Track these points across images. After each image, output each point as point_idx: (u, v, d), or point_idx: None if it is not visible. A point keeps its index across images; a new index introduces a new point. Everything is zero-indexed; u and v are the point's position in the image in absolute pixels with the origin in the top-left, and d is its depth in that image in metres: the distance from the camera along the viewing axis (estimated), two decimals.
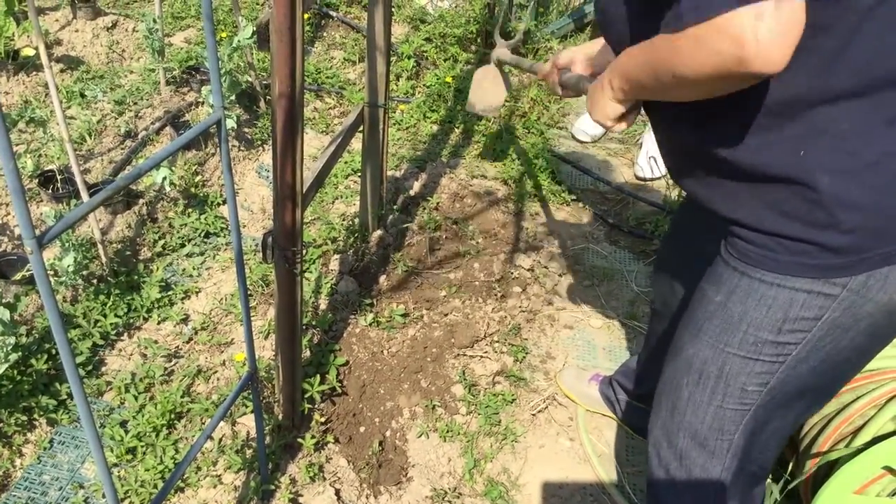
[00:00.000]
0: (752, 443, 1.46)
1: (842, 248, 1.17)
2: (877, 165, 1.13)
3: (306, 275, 2.76)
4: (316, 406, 2.31)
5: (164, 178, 2.81)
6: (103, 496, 2.14)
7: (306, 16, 4.48)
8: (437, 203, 3.20)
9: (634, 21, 1.25)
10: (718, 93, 1.10)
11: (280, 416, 2.23)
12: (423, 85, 4.10)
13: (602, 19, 1.38)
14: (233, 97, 3.38)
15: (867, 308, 1.22)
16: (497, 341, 2.62)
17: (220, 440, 2.24)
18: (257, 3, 4.84)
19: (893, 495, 1.67)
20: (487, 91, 2.38)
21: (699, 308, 1.42)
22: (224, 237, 3.09)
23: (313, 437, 2.21)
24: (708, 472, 1.50)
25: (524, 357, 2.61)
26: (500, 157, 3.62)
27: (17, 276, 2.62)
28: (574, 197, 3.46)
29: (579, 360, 2.67)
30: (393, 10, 4.63)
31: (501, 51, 2.18)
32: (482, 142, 3.69)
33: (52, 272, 2.58)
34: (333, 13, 4.68)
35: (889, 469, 1.63)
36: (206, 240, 3.07)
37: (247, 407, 2.32)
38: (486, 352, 2.57)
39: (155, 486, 2.12)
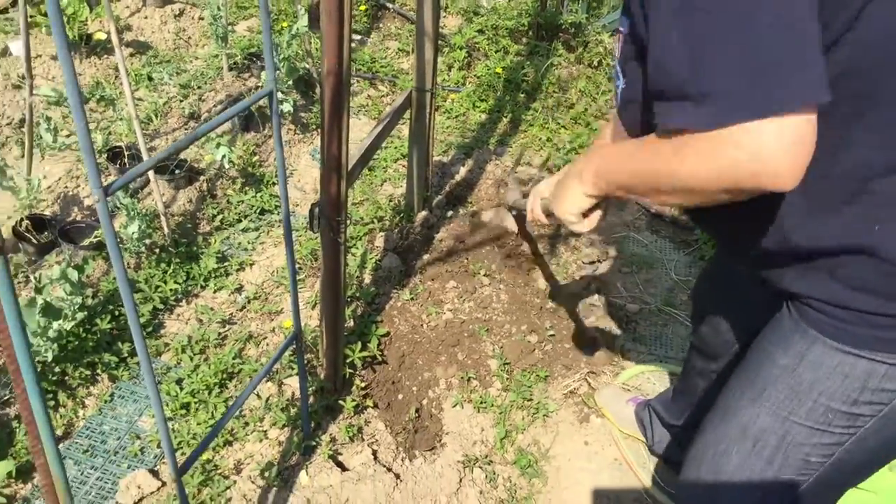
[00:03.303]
0: None
1: None
2: None
3: (352, 250, 2.89)
4: (357, 372, 2.44)
5: (224, 156, 2.97)
6: (158, 446, 2.31)
7: (363, 7, 4.62)
8: (482, 188, 3.30)
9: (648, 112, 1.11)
10: (712, 203, 1.00)
11: (323, 379, 2.36)
12: (474, 75, 4.20)
13: (619, 105, 1.27)
14: (290, 83, 3.53)
15: None
16: (534, 321, 2.71)
17: (267, 399, 2.38)
18: None
19: None
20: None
21: (762, 370, 1.30)
22: (277, 214, 3.25)
23: (353, 400, 2.34)
24: None
25: (560, 338, 2.69)
26: (546, 146, 3.70)
27: (85, 242, 2.81)
28: None
29: (613, 339, 2.74)
30: (447, 2, 4.76)
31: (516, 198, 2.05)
32: (529, 131, 3.78)
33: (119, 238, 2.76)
34: (390, 4, 4.82)
35: None
36: (260, 216, 3.23)
37: (293, 369, 2.46)
38: (521, 330, 2.66)
39: (202, 440, 2.27)
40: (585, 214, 1.29)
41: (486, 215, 3.12)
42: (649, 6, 0.98)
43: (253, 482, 2.15)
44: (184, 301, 2.80)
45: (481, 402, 2.45)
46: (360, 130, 3.70)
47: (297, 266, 2.90)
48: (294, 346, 2.00)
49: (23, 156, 3.12)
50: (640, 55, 1.10)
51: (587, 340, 2.68)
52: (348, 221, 2.07)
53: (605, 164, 1.18)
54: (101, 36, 3.99)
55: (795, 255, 1.17)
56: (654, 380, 2.62)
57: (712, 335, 1.81)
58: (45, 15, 4.01)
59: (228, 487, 2.14)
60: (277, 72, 3.54)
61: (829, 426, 1.21)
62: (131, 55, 4.14)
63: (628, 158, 1.10)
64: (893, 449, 1.27)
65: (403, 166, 3.49)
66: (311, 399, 2.34)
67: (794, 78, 0.85)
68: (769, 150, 0.86)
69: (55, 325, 2.31)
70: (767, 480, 1.30)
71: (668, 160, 0.98)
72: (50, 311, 2.26)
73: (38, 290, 2.26)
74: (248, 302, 2.81)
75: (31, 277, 2.44)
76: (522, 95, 4.01)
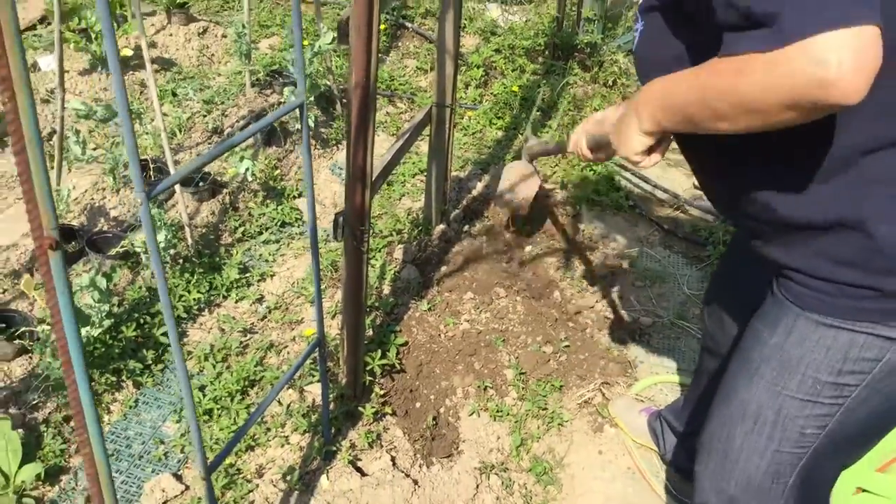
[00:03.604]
0: (806, 484, 1.43)
1: None
2: None
3: (372, 262, 2.96)
4: (376, 380, 2.49)
5: (247, 169, 3.05)
6: (181, 451, 2.37)
7: (382, 26, 4.72)
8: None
9: (677, 64, 1.19)
10: (772, 126, 1.01)
11: (343, 386, 2.41)
12: (491, 93, 4.28)
13: (640, 66, 1.35)
14: (311, 99, 3.61)
15: None
16: (549, 332, 2.76)
17: (289, 406, 2.44)
18: (337, 14, 5.11)
19: None
20: (519, 185, 2.47)
21: (753, 350, 1.38)
22: (298, 227, 3.32)
23: (373, 407, 2.39)
24: None
25: (575, 349, 2.74)
26: (560, 162, 3.76)
27: (112, 252, 2.88)
28: (631, 203, 3.58)
29: (627, 351, 2.78)
30: (465, 21, 4.85)
31: (532, 144, 2.17)
32: None
33: (142, 249, 2.83)
34: (409, 24, 4.92)
35: None
36: (281, 229, 3.30)
37: (313, 377, 2.51)
38: (537, 341, 2.71)
39: (225, 444, 2.33)
40: (648, 151, 1.32)
41: (503, 229, 3.18)
42: None
43: (275, 486, 2.20)
44: (206, 310, 2.87)
45: (497, 411, 2.50)
46: (379, 146, 3.76)
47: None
48: (316, 353, 2.06)
49: (52, 167, 3.21)
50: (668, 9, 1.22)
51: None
52: (369, 243, 2.13)
53: (661, 97, 1.19)
54: (128, 52, 4.09)
55: (783, 227, 1.24)
56: (666, 391, 2.66)
57: (721, 334, 1.90)
58: (75, 31, 4.13)
59: (251, 491, 2.19)
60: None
61: (818, 397, 1.28)
62: (156, 71, 4.24)
63: (686, 86, 1.12)
64: (883, 419, 1.34)
65: (421, 181, 3.56)
66: (332, 406, 2.39)
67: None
68: (837, 57, 0.89)
69: (83, 331, 2.37)
70: (771, 456, 1.37)
71: (733, 78, 1.00)
72: (80, 318, 2.33)
73: None
74: (269, 312, 2.87)
75: None
76: (538, 113, 4.08)
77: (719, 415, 1.47)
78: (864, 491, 1.81)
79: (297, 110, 1.68)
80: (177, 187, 2.90)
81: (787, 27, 0.91)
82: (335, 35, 3.81)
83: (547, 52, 4.50)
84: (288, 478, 2.21)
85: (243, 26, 3.67)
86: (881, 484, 1.78)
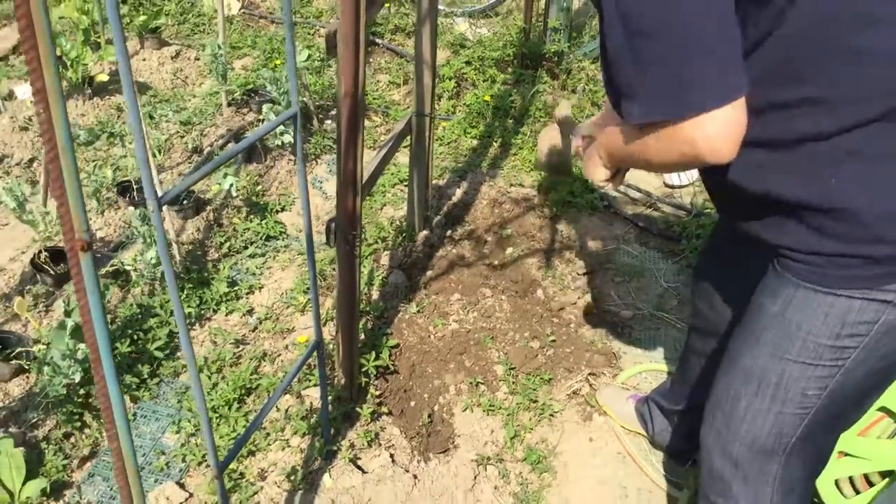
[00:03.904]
0: (808, 444, 1.51)
1: (888, 258, 1.25)
2: None
3: (360, 268, 3.03)
4: (371, 381, 2.56)
5: (231, 185, 3.12)
6: (183, 460, 2.41)
7: None
8: (478, 208, 3.46)
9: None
10: (685, 171, 1.31)
11: (340, 388, 2.48)
12: (464, 104, 4.38)
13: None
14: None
15: None
16: (535, 328, 2.85)
17: (287, 410, 2.50)
18: (308, 33, 5.20)
19: (893, 437, 1.86)
20: (555, 148, 2.55)
21: (756, 319, 1.47)
22: (283, 240, 3.38)
23: (369, 408, 2.46)
24: (766, 475, 1.55)
25: (561, 343, 2.83)
26: (536, 167, 3.87)
27: (102, 271, 2.93)
28: (606, 203, 3.69)
29: (610, 343, 2.88)
30: None
31: (564, 112, 2.24)
32: (518, 154, 3.95)
33: (132, 266, 2.88)
34: (380, 40, 5.02)
35: (886, 410, 1.82)
36: (266, 242, 3.36)
37: (310, 381, 2.58)
38: (524, 337, 2.80)
39: (228, 451, 2.38)
40: (610, 179, 1.59)
41: (484, 233, 3.27)
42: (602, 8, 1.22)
43: (279, 486, 2.26)
44: (198, 325, 2.92)
45: (490, 406, 2.58)
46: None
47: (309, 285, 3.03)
48: (315, 355, 2.13)
49: (35, 192, 3.24)
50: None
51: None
52: (361, 248, 2.21)
53: (605, 143, 1.49)
54: (104, 77, 4.14)
55: (773, 209, 1.34)
56: (650, 378, 2.76)
57: (711, 311, 1.98)
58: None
59: (256, 493, 2.25)
60: (278, 106, 3.70)
61: (819, 360, 1.37)
62: None
63: (615, 138, 1.41)
64: (879, 378, 1.42)
65: (402, 190, 3.65)
66: (330, 408, 2.45)
67: (716, 83, 1.12)
68: (705, 140, 1.13)
69: (81, 347, 2.42)
70: (774, 418, 1.46)
71: (639, 146, 1.29)
72: (77, 334, 2.38)
73: (68, 314, 2.38)
74: (260, 322, 2.93)
75: (61, 301, 2.55)
76: (511, 121, 4.19)
77: (724, 381, 1.56)
78: (847, 455, 1.92)
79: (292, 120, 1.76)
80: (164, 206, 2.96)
81: (651, 111, 1.19)
82: (310, 53, 3.90)
83: (516, 62, 4.62)
84: (291, 478, 2.27)
85: (219, 47, 3.74)
86: (861, 447, 1.89)
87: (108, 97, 4.22)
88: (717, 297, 1.96)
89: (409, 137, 2.95)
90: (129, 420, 2.51)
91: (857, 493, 1.98)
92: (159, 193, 1.27)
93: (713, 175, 1.45)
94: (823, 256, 1.30)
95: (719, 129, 1.13)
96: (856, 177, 1.24)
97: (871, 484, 1.97)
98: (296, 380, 2.59)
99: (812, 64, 1.20)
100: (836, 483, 1.97)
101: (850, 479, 1.98)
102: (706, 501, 1.69)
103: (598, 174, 1.58)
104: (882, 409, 1.82)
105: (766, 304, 1.44)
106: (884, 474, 1.92)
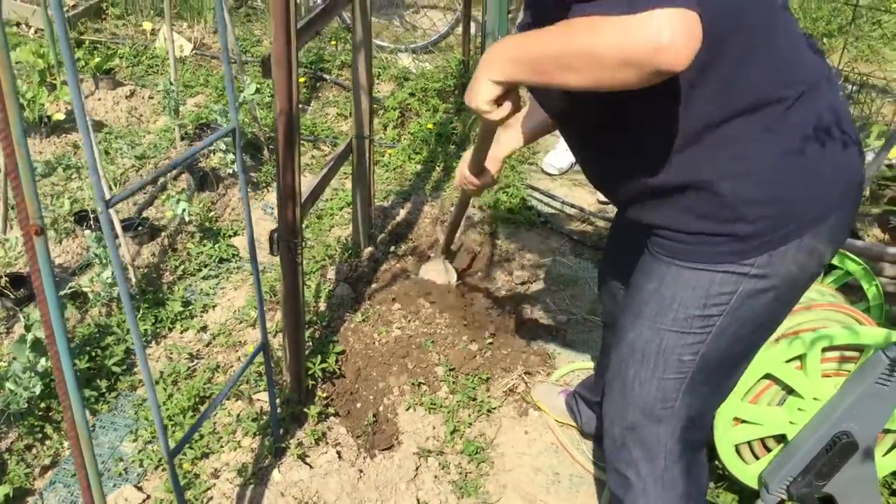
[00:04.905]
0: (691, 407, 1.67)
1: (748, 235, 1.43)
2: (765, 165, 1.41)
3: (307, 283, 3.20)
4: (319, 385, 2.72)
5: (184, 210, 3.28)
6: (140, 465, 2.54)
7: (302, 80, 5.03)
8: (421, 226, 3.67)
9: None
10: (609, 83, 1.19)
11: (288, 391, 2.64)
12: (408, 132, 4.61)
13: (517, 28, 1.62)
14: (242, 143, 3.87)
15: (773, 280, 1.48)
16: (474, 332, 3.04)
17: (238, 415, 2.65)
18: (258, 72, 5.41)
19: (782, 403, 2.07)
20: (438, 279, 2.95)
21: (636, 298, 1.64)
22: (235, 262, 3.54)
23: (317, 409, 2.62)
24: (658, 437, 1.70)
25: (499, 346, 3.02)
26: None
27: (60, 293, 3.06)
28: (543, 219, 3.92)
29: (546, 345, 3.08)
30: (379, 70, 5.21)
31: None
32: None
33: (90, 288, 3.03)
34: (327, 76, 5.25)
35: (772, 377, 2.02)
36: (220, 265, 3.52)
37: (260, 386, 2.73)
38: (463, 340, 2.99)
39: (184, 455, 2.52)
40: (498, 103, 1.44)
41: (426, 249, 3.47)
42: None
43: (231, 482, 2.40)
44: (153, 342, 3.06)
45: (432, 405, 2.75)
46: (306, 185, 4.03)
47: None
48: (262, 357, 2.29)
49: None
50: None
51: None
52: (303, 255, 2.40)
53: (514, 50, 1.34)
54: (60, 116, 4.29)
55: (652, 192, 1.50)
56: (582, 376, 2.95)
57: (614, 305, 2.18)
58: None
59: (209, 488, 2.39)
60: (228, 137, 3.88)
61: (690, 328, 1.55)
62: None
63: (537, 40, 1.28)
64: (744, 343, 1.61)
65: (348, 213, 3.84)
66: (279, 409, 2.61)
67: None
68: (671, 29, 1.10)
69: (42, 361, 2.55)
70: (657, 383, 1.63)
71: (582, 33, 1.18)
72: (38, 347, 2.51)
73: (28, 328, 2.52)
74: (214, 338, 3.08)
75: (21, 316, 2.69)
76: (452, 146, 4.43)
77: (616, 356, 1.73)
78: (742, 422, 2.12)
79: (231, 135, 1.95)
80: (119, 231, 3.11)
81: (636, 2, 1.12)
82: (258, 87, 4.11)
83: (457, 92, 4.87)
84: (242, 474, 2.41)
85: (171, 83, 3.93)
86: (755, 413, 2.09)
87: (64, 135, 4.37)
88: (617, 291, 2.15)
89: (351, 159, 3.15)
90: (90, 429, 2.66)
91: (757, 458, 2.19)
92: (116, 225, 1.45)
93: (600, 161, 1.62)
94: (696, 235, 1.48)
95: (690, 29, 1.11)
96: (724, 163, 1.41)
97: (768, 449, 2.18)
98: (247, 385, 2.75)
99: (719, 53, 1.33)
100: (737, 449, 2.17)
101: (749, 446, 2.19)
102: (613, 472, 1.85)
103: (484, 91, 1.40)
104: (768, 376, 2.03)
105: (643, 283, 1.62)
106: (778, 438, 2.13)
